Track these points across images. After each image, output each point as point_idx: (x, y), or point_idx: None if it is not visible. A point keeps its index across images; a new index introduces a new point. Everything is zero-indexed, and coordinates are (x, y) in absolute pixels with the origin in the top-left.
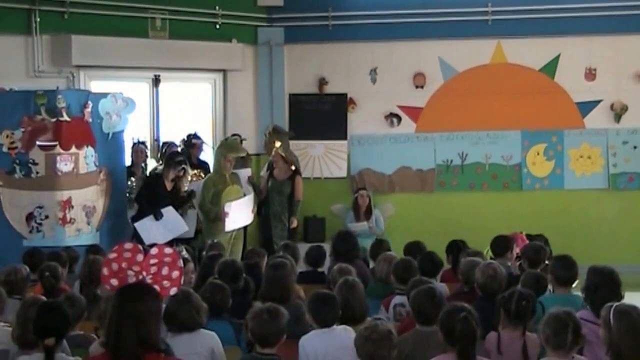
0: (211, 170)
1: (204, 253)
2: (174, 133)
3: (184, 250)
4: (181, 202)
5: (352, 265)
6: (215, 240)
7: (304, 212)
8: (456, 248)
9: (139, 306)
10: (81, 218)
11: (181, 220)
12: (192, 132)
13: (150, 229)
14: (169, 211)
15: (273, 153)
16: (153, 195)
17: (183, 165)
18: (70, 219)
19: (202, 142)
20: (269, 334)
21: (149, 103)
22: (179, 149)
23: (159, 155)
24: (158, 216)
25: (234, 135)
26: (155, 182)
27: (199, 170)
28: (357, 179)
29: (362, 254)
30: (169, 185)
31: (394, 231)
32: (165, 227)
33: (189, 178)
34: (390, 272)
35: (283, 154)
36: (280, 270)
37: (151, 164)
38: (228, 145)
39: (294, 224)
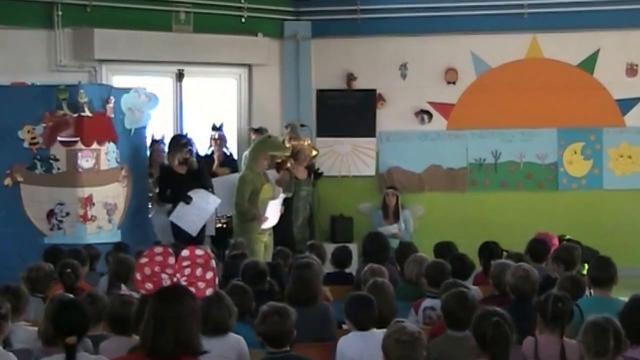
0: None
1: (227, 252)
2: (197, 129)
3: (209, 249)
4: (203, 180)
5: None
6: (239, 240)
7: (330, 211)
8: (488, 250)
9: (178, 308)
10: (102, 215)
11: (212, 195)
12: (220, 123)
13: (187, 216)
14: (196, 192)
15: (304, 153)
16: (172, 186)
17: (189, 147)
18: (91, 216)
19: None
20: (281, 334)
21: (173, 98)
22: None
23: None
24: (188, 200)
25: (259, 128)
26: (167, 173)
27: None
28: (385, 177)
29: (391, 255)
30: (181, 169)
31: (423, 233)
32: (199, 207)
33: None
34: (421, 273)
35: (312, 154)
36: (307, 271)
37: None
38: (271, 144)
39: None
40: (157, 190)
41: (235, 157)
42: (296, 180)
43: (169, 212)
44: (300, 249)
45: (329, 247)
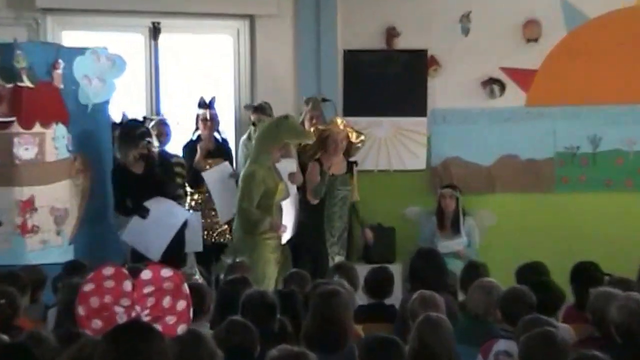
0: (234, 157)
1: (221, 276)
2: (180, 105)
3: (197, 272)
4: (166, 185)
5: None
6: (238, 259)
7: (364, 220)
8: (585, 275)
9: (140, 354)
10: (48, 225)
11: (177, 207)
12: (210, 98)
13: (143, 235)
14: (156, 202)
15: (335, 139)
16: (127, 191)
17: (147, 139)
18: (33, 226)
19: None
20: None
21: (145, 62)
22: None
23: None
24: (143, 213)
25: (259, 106)
26: (120, 174)
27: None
28: (440, 172)
29: (450, 280)
30: (137, 168)
31: (493, 248)
32: (160, 223)
33: (205, 166)
34: (492, 306)
35: (354, 139)
36: (332, 302)
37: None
38: (290, 127)
39: (369, 236)
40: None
41: (232, 144)
42: (329, 176)
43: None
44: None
45: (362, 269)
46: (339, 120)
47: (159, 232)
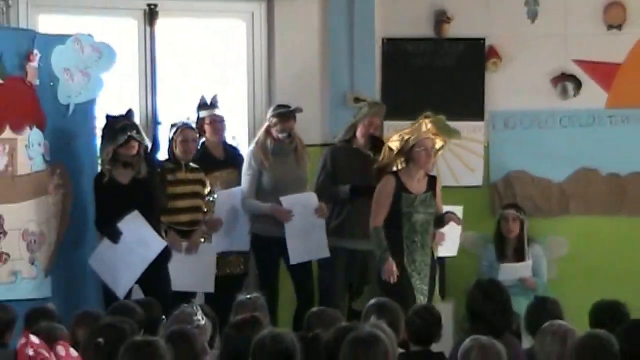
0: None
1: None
2: (180, 105)
3: (199, 312)
4: (155, 198)
5: (501, 342)
6: (249, 296)
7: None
8: None
9: None
10: (20, 252)
11: (153, 234)
12: (211, 97)
13: (112, 264)
14: (132, 223)
15: (429, 145)
16: (108, 205)
17: (130, 133)
18: (1, 254)
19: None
20: None
21: (140, 53)
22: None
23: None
24: (115, 237)
25: (281, 107)
26: (100, 183)
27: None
28: (501, 189)
29: (515, 321)
30: (124, 178)
31: (565, 283)
32: (131, 251)
33: (207, 184)
34: (567, 356)
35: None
36: (369, 351)
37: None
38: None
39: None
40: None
41: (244, 152)
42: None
43: None
44: None
45: None
46: (426, 124)
47: (129, 263)
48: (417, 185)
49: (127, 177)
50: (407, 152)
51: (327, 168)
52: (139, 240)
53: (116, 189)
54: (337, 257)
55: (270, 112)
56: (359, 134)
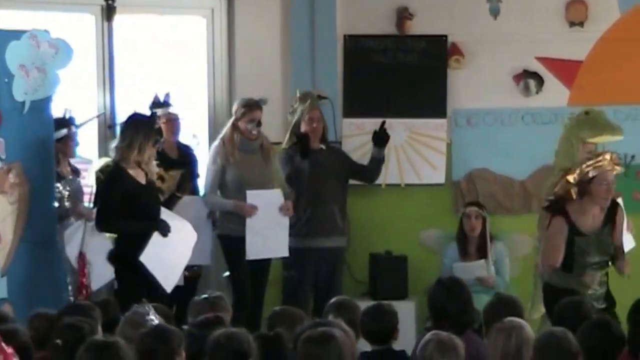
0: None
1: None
2: (139, 102)
3: (151, 311)
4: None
5: (462, 339)
6: (206, 296)
7: (369, 246)
8: None
9: None
10: None
11: (187, 224)
12: (164, 94)
13: (163, 259)
14: (167, 216)
15: (610, 177)
16: (126, 204)
17: (157, 137)
18: None
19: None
20: None
21: (97, 49)
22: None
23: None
24: (165, 230)
25: (247, 99)
26: (120, 181)
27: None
28: (464, 186)
29: (476, 319)
30: (140, 177)
31: (528, 281)
32: (176, 245)
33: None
34: (518, 354)
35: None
36: (326, 350)
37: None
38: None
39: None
40: (95, 211)
41: (205, 151)
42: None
43: (112, 255)
44: None
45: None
46: (607, 156)
47: (178, 255)
48: (591, 222)
49: (142, 177)
50: (585, 184)
51: (291, 165)
52: (179, 233)
53: (134, 187)
54: (304, 256)
55: (235, 106)
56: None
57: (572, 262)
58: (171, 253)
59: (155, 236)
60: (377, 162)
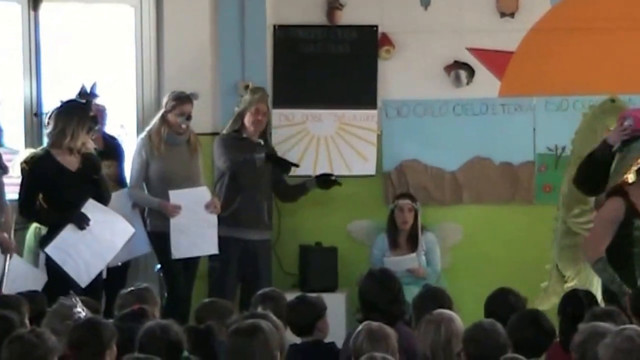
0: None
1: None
2: (64, 91)
3: (79, 304)
4: (103, 185)
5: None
6: (144, 285)
7: (298, 238)
8: (575, 306)
9: None
10: None
11: (120, 219)
12: (90, 85)
13: (75, 253)
14: (94, 209)
15: None
16: (50, 191)
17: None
18: None
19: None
20: None
21: (23, 39)
22: None
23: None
24: (83, 223)
25: (179, 94)
26: (47, 168)
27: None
28: (394, 178)
29: (407, 311)
30: (70, 163)
31: (458, 271)
32: (99, 238)
33: None
34: (448, 345)
35: None
36: (252, 341)
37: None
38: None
39: None
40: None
41: (134, 140)
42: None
43: (42, 240)
44: None
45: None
46: None
47: (97, 251)
48: None
49: (74, 164)
50: None
51: (227, 154)
52: (104, 227)
53: (62, 174)
54: (229, 248)
55: (166, 98)
56: (247, 122)
57: (631, 248)
58: (90, 247)
59: (70, 228)
60: (302, 191)
